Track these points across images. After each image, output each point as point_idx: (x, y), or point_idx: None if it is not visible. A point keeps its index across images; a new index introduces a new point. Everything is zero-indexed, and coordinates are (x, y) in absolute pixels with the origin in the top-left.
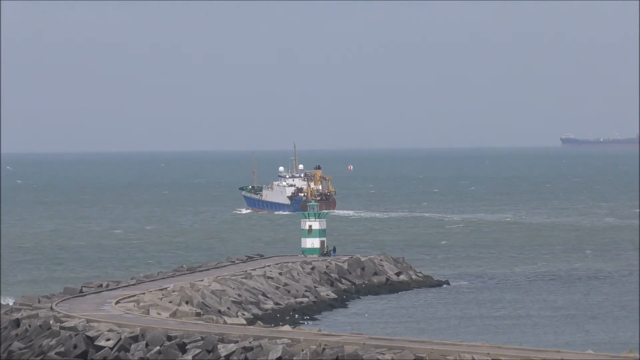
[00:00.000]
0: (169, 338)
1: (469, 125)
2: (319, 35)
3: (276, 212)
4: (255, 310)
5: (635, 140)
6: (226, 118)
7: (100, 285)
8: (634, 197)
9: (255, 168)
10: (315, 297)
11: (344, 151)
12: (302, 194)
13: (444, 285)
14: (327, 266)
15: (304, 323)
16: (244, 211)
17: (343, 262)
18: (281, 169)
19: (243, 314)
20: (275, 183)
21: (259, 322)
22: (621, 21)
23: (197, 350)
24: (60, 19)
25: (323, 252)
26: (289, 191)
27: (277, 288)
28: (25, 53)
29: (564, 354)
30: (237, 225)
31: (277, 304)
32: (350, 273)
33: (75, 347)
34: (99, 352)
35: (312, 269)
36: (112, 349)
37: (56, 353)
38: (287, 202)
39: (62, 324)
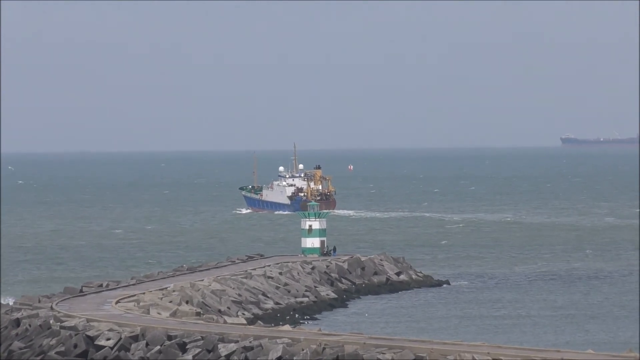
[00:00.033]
0: (169, 338)
1: (469, 125)
2: (319, 35)
3: (276, 212)
4: (256, 310)
5: (636, 140)
6: (226, 118)
7: (101, 285)
8: (634, 197)
9: (255, 168)
10: (316, 296)
11: (344, 151)
12: (302, 194)
13: (444, 285)
14: (327, 266)
15: (304, 323)
16: (244, 211)
17: (343, 262)
18: (281, 168)
19: (243, 314)
20: (276, 183)
21: (259, 321)
22: (621, 21)
23: (197, 350)
24: (60, 19)
25: (323, 251)
26: (289, 191)
27: (277, 288)
28: (25, 53)
29: (564, 353)
30: (237, 225)
31: (277, 303)
32: (350, 273)
33: (75, 346)
34: (99, 352)
35: (313, 268)
36: (112, 348)
37: (56, 352)
38: (287, 202)
39: (63, 324)
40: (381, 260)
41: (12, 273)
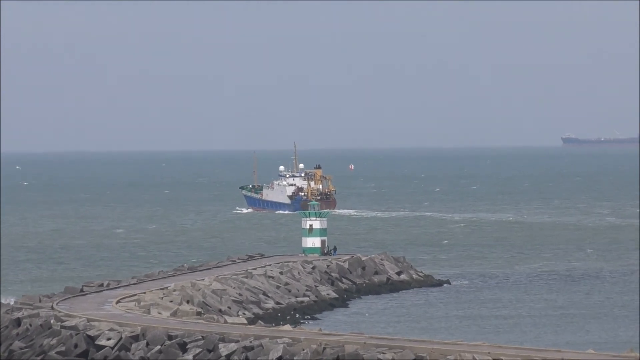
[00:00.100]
0: (170, 337)
1: (469, 125)
2: (319, 34)
3: (277, 212)
4: (256, 310)
5: (636, 139)
6: (226, 118)
7: (101, 285)
8: (635, 196)
9: (256, 167)
10: (316, 296)
11: (344, 151)
12: (302, 194)
13: (445, 285)
14: (327, 265)
15: (304, 322)
16: (245, 210)
17: (344, 262)
18: (281, 168)
19: (244, 314)
20: (276, 182)
21: (259, 321)
22: (621, 21)
23: (198, 350)
24: (60, 19)
25: (324, 251)
26: (290, 190)
27: (277, 287)
28: (25, 53)
29: (565, 353)
30: (238, 224)
31: (277, 303)
32: (351, 272)
33: (76, 346)
34: (100, 352)
35: (313, 268)
36: (112, 348)
37: (57, 352)
38: (288, 201)
39: (63, 323)
40: (382, 259)
41: (13, 272)
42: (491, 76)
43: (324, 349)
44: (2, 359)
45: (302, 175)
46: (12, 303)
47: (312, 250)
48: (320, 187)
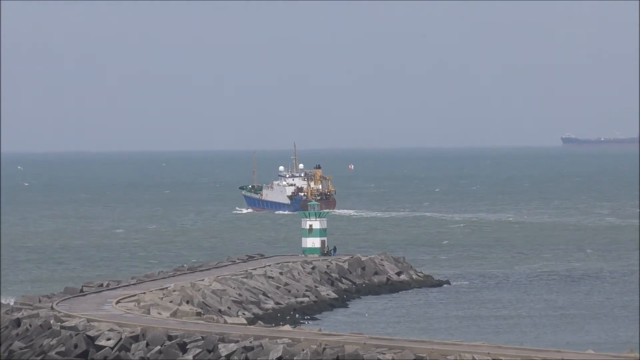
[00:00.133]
0: (170, 338)
1: (469, 125)
2: (319, 34)
3: (276, 212)
4: (256, 310)
5: (636, 139)
6: (226, 118)
7: (101, 285)
8: (635, 196)
9: (255, 167)
10: (316, 296)
11: (344, 150)
12: (302, 194)
13: (445, 285)
14: (327, 266)
15: (304, 323)
16: (244, 211)
17: (344, 262)
18: (281, 168)
19: (244, 314)
20: (276, 182)
21: (259, 321)
22: (621, 21)
23: (198, 350)
24: (60, 19)
25: (324, 251)
26: (289, 191)
27: (277, 288)
28: (25, 53)
29: (565, 353)
30: (237, 224)
31: (277, 303)
32: (350, 273)
33: (75, 346)
34: (100, 352)
35: (313, 268)
36: (112, 348)
37: (57, 353)
38: (287, 201)
39: (63, 324)
40: (382, 260)
41: (12, 273)
42: (491, 76)
43: (324, 349)
44: (2, 359)
45: (302, 175)
46: (12, 303)
47: (312, 250)
48: (320, 187)
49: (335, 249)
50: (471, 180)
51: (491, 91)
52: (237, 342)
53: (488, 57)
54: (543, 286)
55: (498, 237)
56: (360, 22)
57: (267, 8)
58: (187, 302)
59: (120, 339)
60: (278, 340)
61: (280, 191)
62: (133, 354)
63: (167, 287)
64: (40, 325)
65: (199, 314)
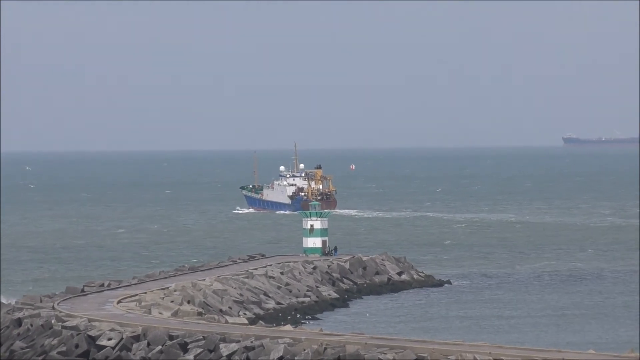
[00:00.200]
0: (171, 337)
1: (470, 125)
2: (319, 35)
3: (277, 212)
4: (257, 310)
5: (637, 139)
6: (226, 118)
7: (102, 285)
8: (635, 196)
9: (256, 167)
10: (317, 296)
11: (345, 150)
12: (302, 194)
13: (446, 285)
14: (328, 266)
15: (305, 323)
16: (245, 210)
17: (345, 262)
18: (282, 168)
19: (245, 314)
20: (276, 182)
21: (260, 321)
22: (621, 21)
23: (199, 350)
24: (60, 19)
25: (325, 251)
26: (290, 190)
27: (278, 288)
28: (25, 53)
29: (566, 353)
30: (238, 224)
31: (278, 303)
32: (351, 273)
33: (77, 346)
34: (101, 352)
35: (314, 268)
36: (113, 348)
37: (58, 352)
38: (288, 201)
39: (64, 324)
40: (383, 260)
41: (14, 273)
42: (491, 76)
43: (325, 349)
44: (3, 359)
45: (303, 175)
46: (13, 303)
47: (313, 250)
48: (321, 187)
49: (336, 249)
50: (472, 180)
51: (491, 91)
52: (238, 342)
53: (488, 57)
54: (544, 286)
55: (499, 237)
56: (360, 22)
57: (267, 8)
58: (188, 302)
59: (122, 338)
60: (279, 340)
61: (281, 191)
62: (134, 354)
63: (168, 287)
64: (42, 325)
65: (200, 313)
